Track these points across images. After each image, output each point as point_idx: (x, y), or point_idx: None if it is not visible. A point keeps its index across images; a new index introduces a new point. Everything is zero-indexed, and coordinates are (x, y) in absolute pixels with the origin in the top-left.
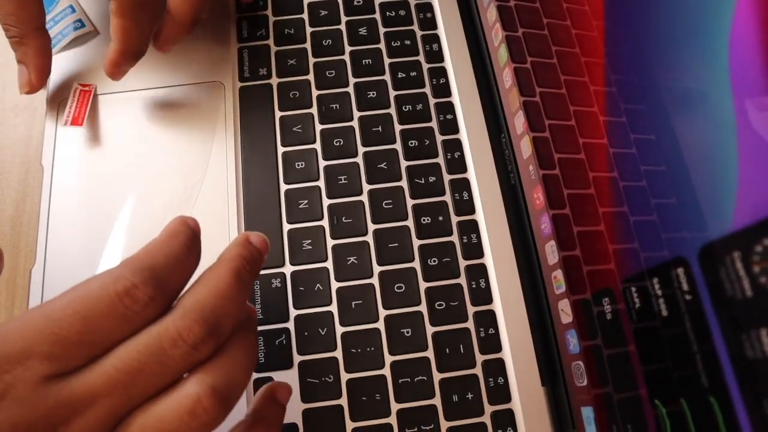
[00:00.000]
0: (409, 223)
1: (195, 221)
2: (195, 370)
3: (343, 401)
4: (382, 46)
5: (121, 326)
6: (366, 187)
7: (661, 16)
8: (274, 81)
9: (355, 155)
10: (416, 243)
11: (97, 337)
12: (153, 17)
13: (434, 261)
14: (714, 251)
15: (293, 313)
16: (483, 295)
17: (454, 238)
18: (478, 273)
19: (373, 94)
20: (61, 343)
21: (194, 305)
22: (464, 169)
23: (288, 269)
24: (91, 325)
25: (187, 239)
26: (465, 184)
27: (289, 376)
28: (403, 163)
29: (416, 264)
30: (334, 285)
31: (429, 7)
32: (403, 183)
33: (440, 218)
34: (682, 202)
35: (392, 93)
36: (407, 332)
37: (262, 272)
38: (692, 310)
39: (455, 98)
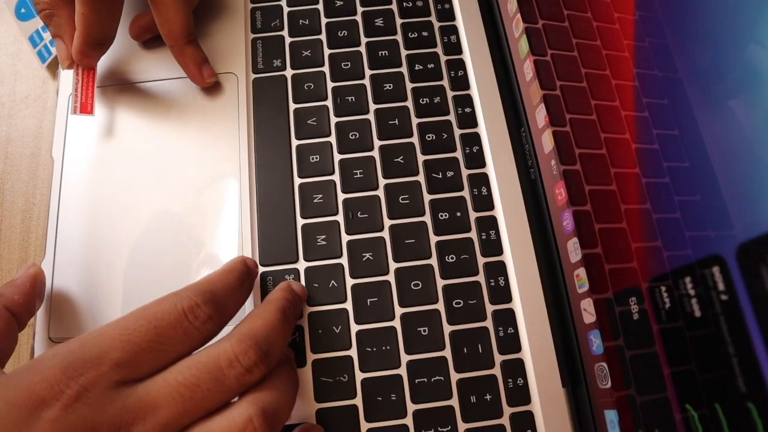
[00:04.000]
0: (427, 218)
1: (254, 262)
2: (246, 394)
3: (358, 401)
4: (398, 37)
5: (184, 339)
6: (382, 181)
7: (695, 2)
8: (289, 72)
9: (371, 149)
10: (434, 239)
11: (165, 346)
12: (113, 7)
13: (452, 258)
14: (755, 250)
15: (306, 310)
16: (502, 294)
17: (473, 234)
18: (497, 271)
19: (390, 86)
20: (133, 350)
21: (249, 333)
22: (483, 164)
23: (302, 265)
24: (161, 334)
25: (241, 274)
26: (484, 180)
27: (303, 375)
28: (420, 158)
29: (434, 261)
30: (349, 282)
31: None
32: (420, 178)
33: (458, 214)
34: (718, 199)
35: (409, 85)
36: (424, 331)
37: (275, 268)
38: (729, 311)
39: (474, 91)
